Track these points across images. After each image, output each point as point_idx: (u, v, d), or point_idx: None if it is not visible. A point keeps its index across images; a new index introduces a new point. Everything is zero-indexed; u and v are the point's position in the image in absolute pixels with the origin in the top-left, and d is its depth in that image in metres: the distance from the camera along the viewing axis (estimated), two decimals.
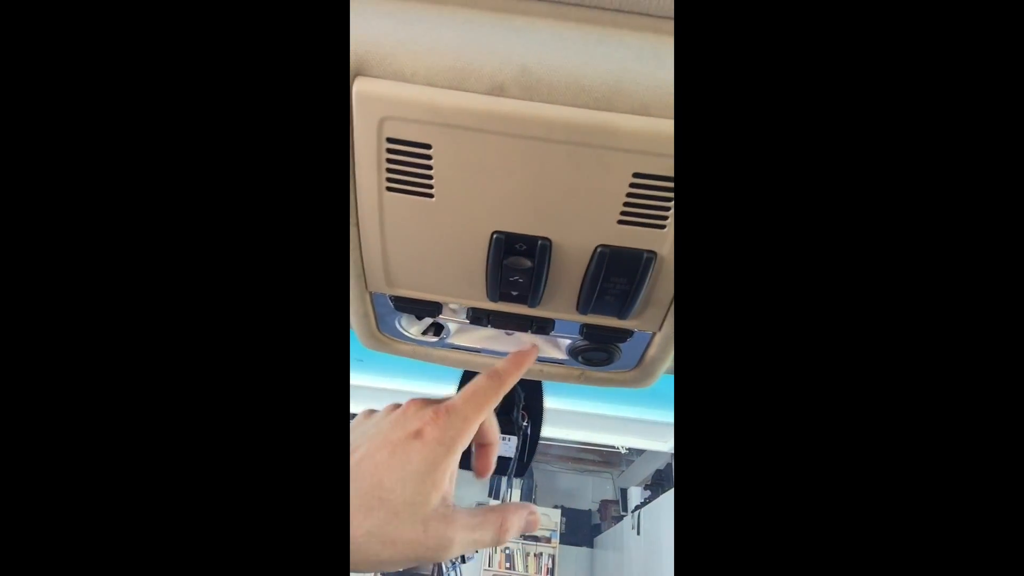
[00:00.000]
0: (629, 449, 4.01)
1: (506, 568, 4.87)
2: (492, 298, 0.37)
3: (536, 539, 4.96)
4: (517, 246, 0.33)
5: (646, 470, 4.45)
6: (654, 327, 0.39)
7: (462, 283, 0.37)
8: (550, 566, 4.86)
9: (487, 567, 4.86)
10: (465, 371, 0.63)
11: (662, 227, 0.31)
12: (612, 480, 5.56)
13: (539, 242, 0.32)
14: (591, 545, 5.22)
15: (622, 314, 0.37)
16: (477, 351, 0.46)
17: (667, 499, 3.66)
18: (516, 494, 5.15)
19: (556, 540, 4.97)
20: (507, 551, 4.93)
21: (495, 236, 0.32)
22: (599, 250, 0.33)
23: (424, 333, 0.45)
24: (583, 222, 0.31)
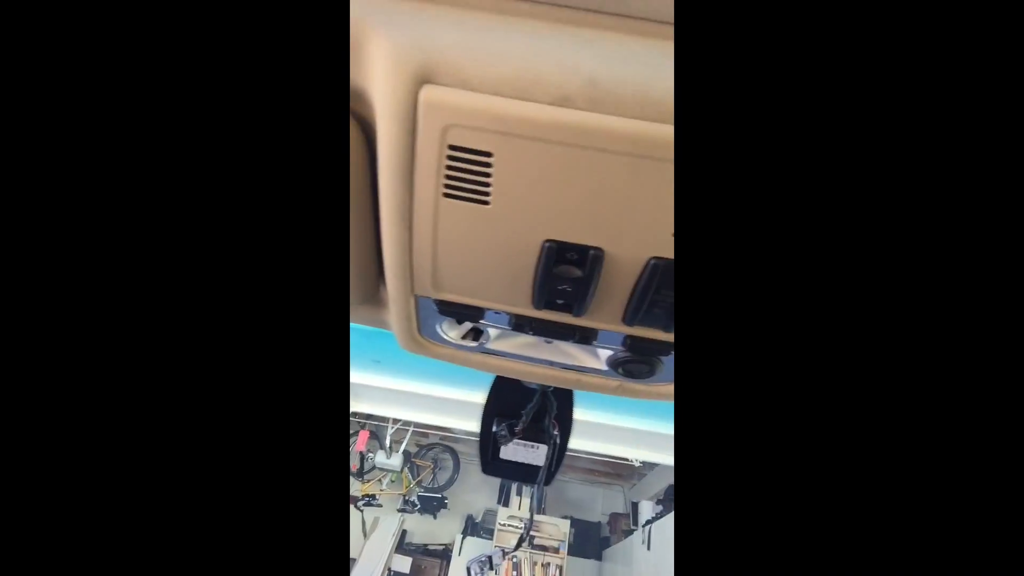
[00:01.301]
0: (642, 463, 3.96)
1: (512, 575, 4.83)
2: (538, 306, 0.37)
3: (544, 549, 4.91)
4: (568, 255, 0.33)
5: (658, 485, 4.39)
6: None
7: (509, 289, 0.37)
8: None
9: (493, 573, 4.82)
10: (497, 377, 0.63)
11: None
12: (623, 493, 5.49)
13: (591, 252, 0.32)
14: (599, 558, 5.15)
15: (669, 326, 0.36)
16: (514, 357, 0.46)
17: None
18: (525, 503, 5.12)
19: (564, 551, 4.92)
20: (515, 559, 4.89)
21: (547, 244, 0.33)
22: (652, 262, 0.33)
23: (464, 338, 0.45)
24: (638, 234, 0.31)
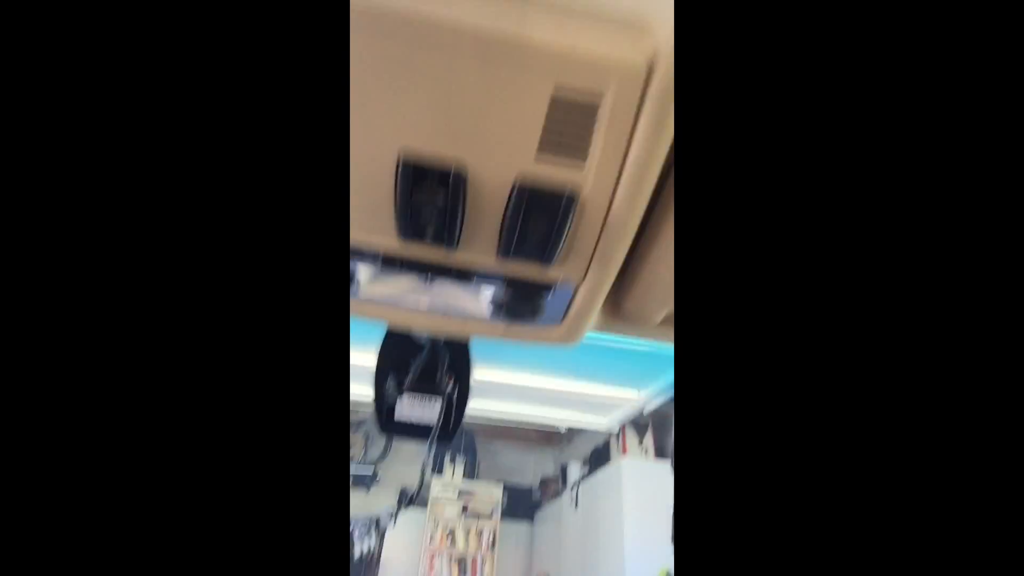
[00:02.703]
0: (569, 428, 4.10)
1: (448, 544, 4.90)
2: (404, 234, 0.34)
3: (478, 516, 5.02)
4: (429, 177, 0.30)
5: (585, 448, 4.58)
6: (577, 277, 0.38)
7: (370, 217, 0.34)
8: (491, 541, 4.94)
9: (428, 544, 4.87)
10: (387, 331, 0.59)
11: (583, 161, 0.29)
12: (553, 458, 5.69)
13: (452, 173, 0.29)
14: (532, 520, 5.34)
15: (545, 259, 0.35)
16: (393, 304, 0.43)
17: (602, 474, 3.79)
18: (459, 471, 5.18)
19: (497, 516, 5.05)
20: (449, 528, 4.96)
21: (402, 163, 0.29)
22: (518, 186, 0.30)
23: None
24: (502, 152, 0.29)
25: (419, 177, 0.30)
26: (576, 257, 0.36)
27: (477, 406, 3.60)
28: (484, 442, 5.53)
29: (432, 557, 4.86)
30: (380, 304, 0.43)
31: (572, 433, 4.75)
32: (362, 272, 0.40)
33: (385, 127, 0.28)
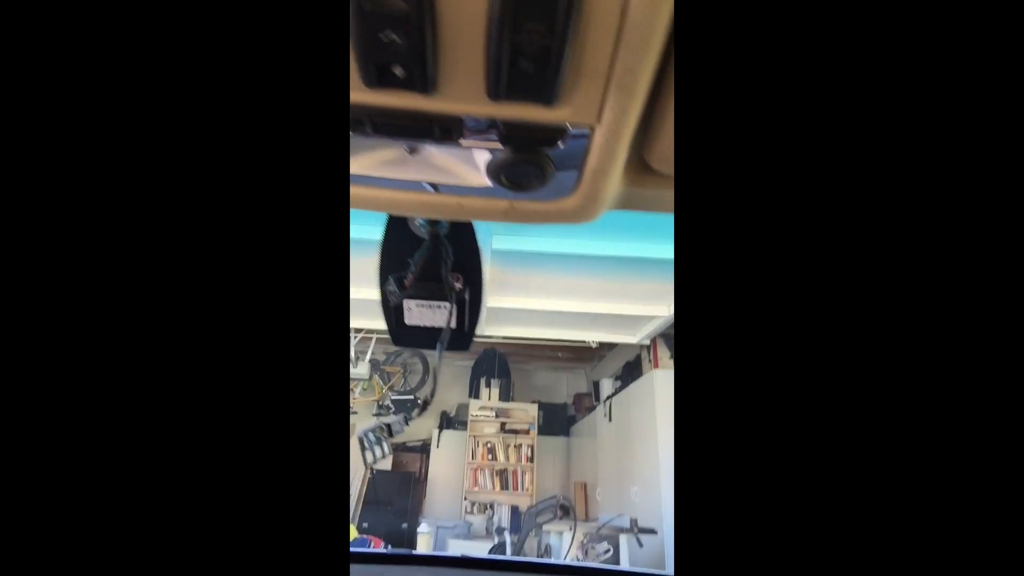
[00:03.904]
0: (600, 344, 4.13)
1: (489, 460, 5.20)
2: (367, 79, 0.27)
3: (516, 432, 5.26)
4: None
5: (616, 363, 4.64)
6: (592, 116, 0.30)
7: None
8: (529, 455, 5.21)
9: (470, 460, 5.18)
10: (385, 230, 0.53)
11: None
12: (586, 374, 5.82)
13: None
14: (568, 435, 5.57)
15: (547, 91, 0.27)
16: (374, 183, 0.36)
17: (635, 388, 3.85)
18: (495, 393, 5.37)
19: (534, 432, 5.28)
20: (489, 444, 5.24)
21: None
22: None
23: None
24: None
25: None
26: (587, 87, 0.28)
27: (509, 332, 3.64)
28: (517, 364, 5.68)
29: (475, 472, 5.17)
30: (361, 185, 0.37)
31: (604, 348, 4.80)
32: None
33: None
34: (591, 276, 2.69)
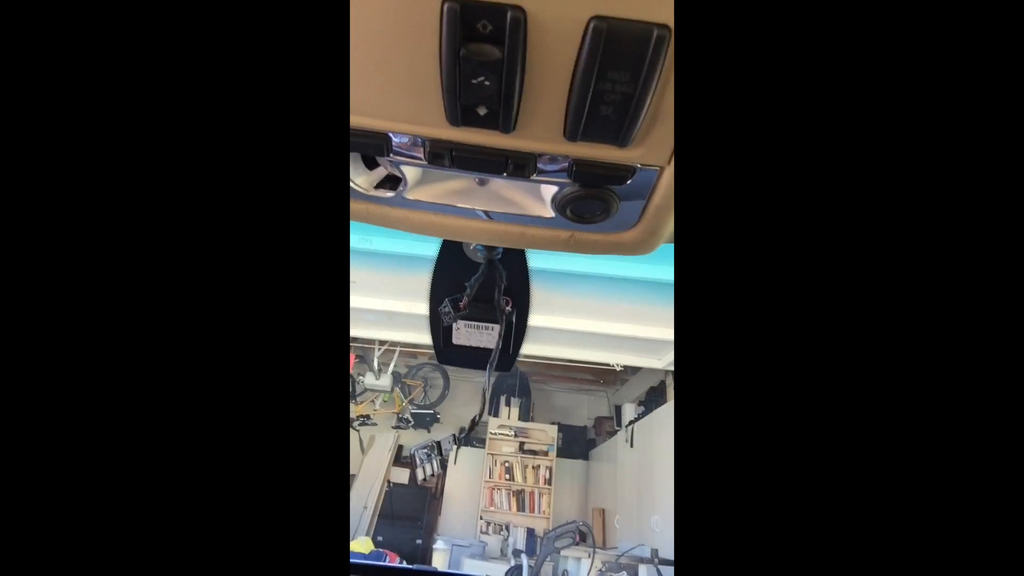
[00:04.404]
0: (624, 367, 4.08)
1: (506, 479, 5.14)
2: (453, 118, 0.29)
3: (534, 453, 5.20)
4: (479, 25, 0.24)
5: (640, 388, 4.57)
6: (662, 158, 0.31)
7: (410, 93, 0.28)
8: (547, 477, 5.13)
9: (488, 479, 5.13)
10: (440, 251, 0.55)
11: None
12: (607, 397, 5.74)
13: (508, 12, 0.23)
14: (587, 458, 5.48)
15: (622, 133, 0.28)
16: (441, 209, 0.38)
17: (659, 414, 3.78)
18: (515, 412, 5.33)
19: (553, 454, 5.21)
20: (506, 464, 5.18)
21: (447, 5, 0.23)
22: (593, 25, 0.24)
23: (378, 187, 0.37)
24: None
25: (468, 31, 0.24)
26: (660, 131, 0.29)
27: (531, 350, 3.63)
28: (538, 383, 5.64)
29: (492, 491, 5.12)
30: (428, 211, 0.38)
31: (627, 372, 4.74)
32: (410, 176, 0.35)
33: None
34: (618, 298, 2.68)
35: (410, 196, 0.37)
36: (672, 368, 3.62)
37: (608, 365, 3.93)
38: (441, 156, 0.32)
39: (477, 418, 0.58)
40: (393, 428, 5.27)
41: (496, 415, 5.32)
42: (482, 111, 0.28)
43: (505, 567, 3.95)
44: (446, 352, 0.59)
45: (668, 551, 3.06)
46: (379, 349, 4.55)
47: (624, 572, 2.97)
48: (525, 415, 5.40)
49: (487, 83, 0.27)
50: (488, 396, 0.55)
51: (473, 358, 0.59)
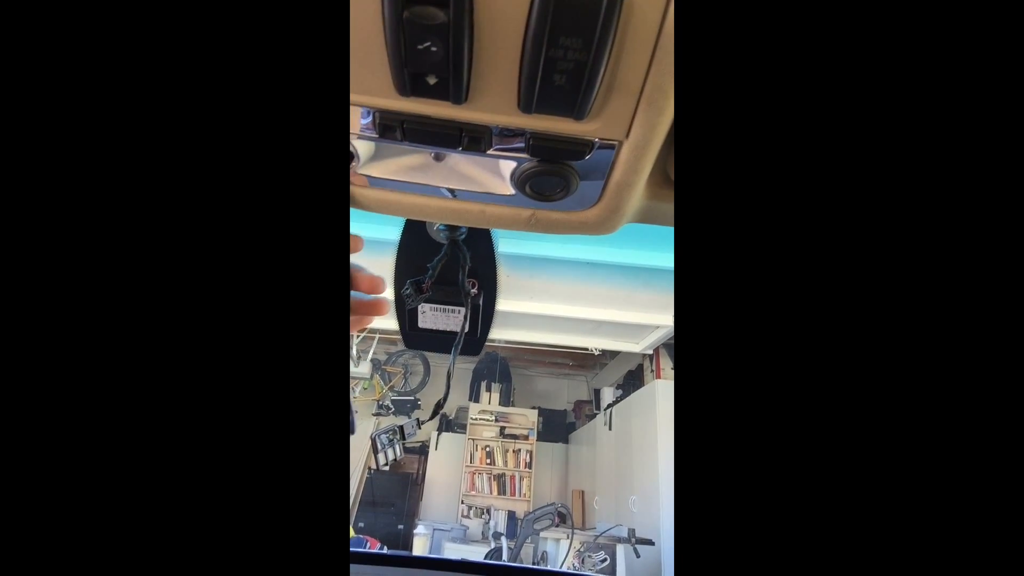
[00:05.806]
0: (603, 351, 4.12)
1: (487, 464, 5.18)
2: (401, 88, 0.27)
3: (515, 437, 5.24)
4: None
5: (618, 372, 4.63)
6: (620, 132, 0.30)
7: (356, 61, 0.27)
8: (528, 460, 5.19)
9: (469, 464, 5.16)
10: (403, 233, 0.54)
11: None
12: (587, 381, 5.80)
13: None
14: (567, 441, 5.55)
15: (578, 104, 0.27)
16: (398, 185, 0.36)
17: (636, 397, 3.84)
18: (496, 398, 5.36)
19: (533, 437, 5.27)
20: (487, 448, 5.22)
21: None
22: None
23: None
24: None
25: None
26: (617, 103, 0.28)
27: (511, 336, 3.64)
28: (518, 368, 5.67)
29: (473, 475, 5.16)
30: (384, 188, 0.37)
31: (606, 356, 4.79)
32: (360, 148, 0.34)
33: None
34: (596, 283, 2.68)
35: (362, 172, 0.35)
36: (650, 352, 3.67)
37: (587, 350, 3.96)
38: (392, 128, 0.30)
39: (442, 401, 0.57)
40: (374, 415, 5.25)
41: (477, 400, 5.34)
42: (432, 80, 0.27)
43: (485, 549, 4.01)
44: (412, 336, 0.58)
45: (645, 531, 3.13)
46: (358, 336, 4.50)
47: (602, 551, 3.04)
48: (506, 400, 5.43)
49: (434, 48, 0.25)
50: (450, 379, 0.54)
51: (440, 342, 0.58)
